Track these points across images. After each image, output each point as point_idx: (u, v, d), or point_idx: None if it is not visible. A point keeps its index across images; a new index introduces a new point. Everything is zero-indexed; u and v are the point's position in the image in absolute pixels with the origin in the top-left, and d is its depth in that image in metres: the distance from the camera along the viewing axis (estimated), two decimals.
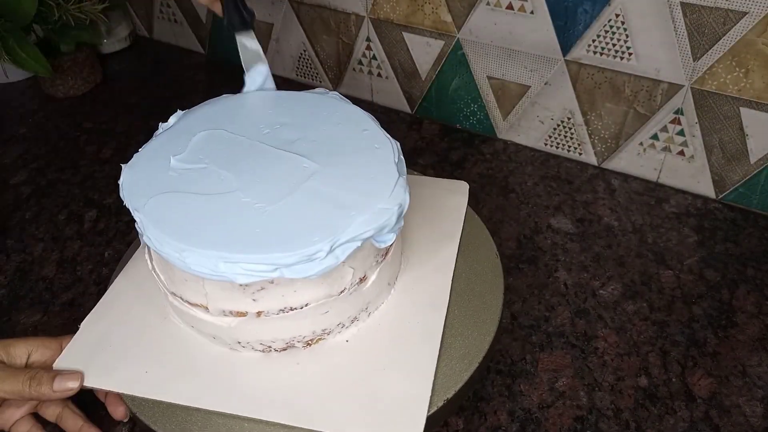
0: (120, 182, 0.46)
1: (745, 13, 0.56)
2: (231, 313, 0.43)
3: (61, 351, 0.47)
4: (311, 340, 0.45)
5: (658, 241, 0.64)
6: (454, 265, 0.51)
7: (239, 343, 0.45)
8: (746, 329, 0.55)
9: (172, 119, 0.52)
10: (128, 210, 0.43)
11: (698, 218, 0.66)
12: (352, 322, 0.46)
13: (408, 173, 0.46)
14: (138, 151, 0.49)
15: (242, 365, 0.45)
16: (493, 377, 0.52)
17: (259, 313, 0.42)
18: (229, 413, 0.42)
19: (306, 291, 0.42)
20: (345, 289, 0.43)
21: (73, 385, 0.44)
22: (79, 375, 0.45)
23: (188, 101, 0.54)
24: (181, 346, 0.46)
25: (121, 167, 0.47)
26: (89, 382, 0.44)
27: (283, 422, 0.41)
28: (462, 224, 0.55)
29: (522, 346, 0.54)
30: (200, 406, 0.42)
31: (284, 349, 0.45)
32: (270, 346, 0.45)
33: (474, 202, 0.69)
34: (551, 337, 0.55)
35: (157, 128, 0.52)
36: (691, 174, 0.68)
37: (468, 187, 0.59)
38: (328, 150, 0.46)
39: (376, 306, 0.48)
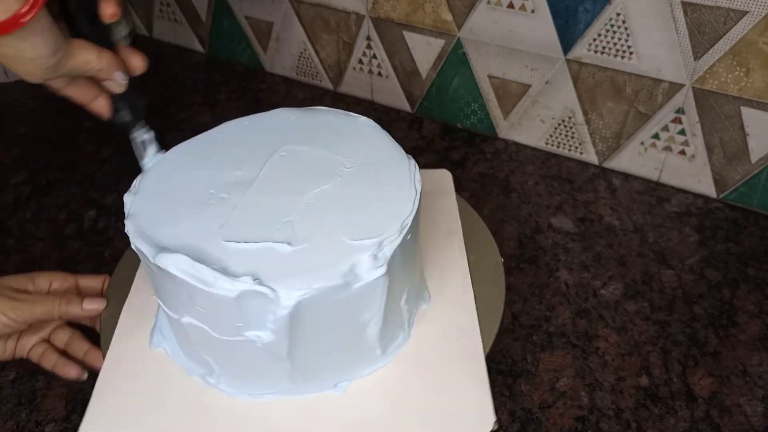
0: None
1: (746, 12, 0.56)
2: None
3: (77, 283, 0.52)
4: None
5: (659, 241, 0.64)
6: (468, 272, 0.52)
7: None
8: (747, 329, 0.55)
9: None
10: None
11: (699, 218, 0.66)
12: None
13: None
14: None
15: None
16: (494, 377, 0.52)
17: None
18: None
19: None
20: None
21: (99, 306, 0.50)
22: (104, 299, 0.50)
23: (188, 101, 0.54)
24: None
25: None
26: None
27: None
28: (459, 219, 0.56)
29: (523, 346, 0.54)
30: None
31: None
32: None
33: (475, 201, 0.69)
34: (552, 336, 0.55)
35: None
36: (692, 173, 0.68)
37: (450, 176, 0.60)
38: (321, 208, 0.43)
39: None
